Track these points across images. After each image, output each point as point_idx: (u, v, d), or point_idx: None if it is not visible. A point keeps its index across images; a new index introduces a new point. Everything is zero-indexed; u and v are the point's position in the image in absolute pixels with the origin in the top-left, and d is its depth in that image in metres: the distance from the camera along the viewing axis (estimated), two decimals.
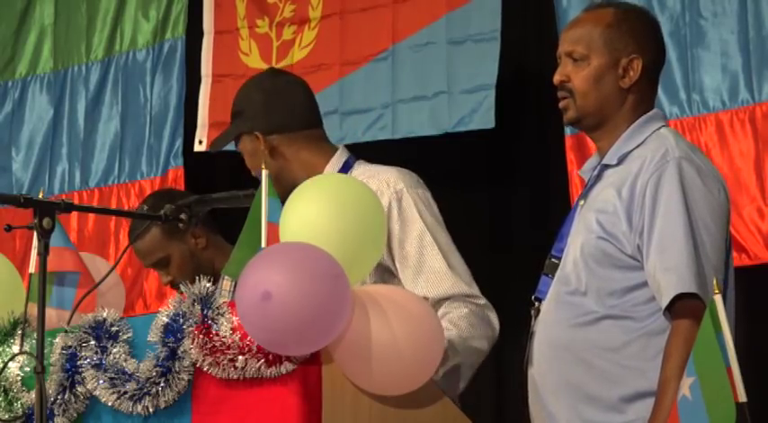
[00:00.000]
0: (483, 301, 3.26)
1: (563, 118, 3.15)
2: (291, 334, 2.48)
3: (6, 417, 2.84)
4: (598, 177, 3.11)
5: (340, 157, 3.45)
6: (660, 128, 3.09)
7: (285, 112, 3.46)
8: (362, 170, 3.43)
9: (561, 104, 3.13)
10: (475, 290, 3.27)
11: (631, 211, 2.96)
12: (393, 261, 3.30)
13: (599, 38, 3.09)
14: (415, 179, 3.39)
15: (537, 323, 3.09)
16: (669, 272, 2.88)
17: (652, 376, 2.87)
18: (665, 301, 2.87)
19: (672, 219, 2.91)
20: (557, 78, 3.12)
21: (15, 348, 2.88)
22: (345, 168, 3.44)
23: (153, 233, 3.99)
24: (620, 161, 3.06)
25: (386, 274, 3.31)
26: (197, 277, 2.70)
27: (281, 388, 2.57)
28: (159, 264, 4.13)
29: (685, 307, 2.85)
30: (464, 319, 3.21)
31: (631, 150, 3.06)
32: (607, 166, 3.09)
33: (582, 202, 3.12)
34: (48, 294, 2.87)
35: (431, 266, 3.26)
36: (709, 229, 2.93)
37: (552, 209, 4.53)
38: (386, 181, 3.34)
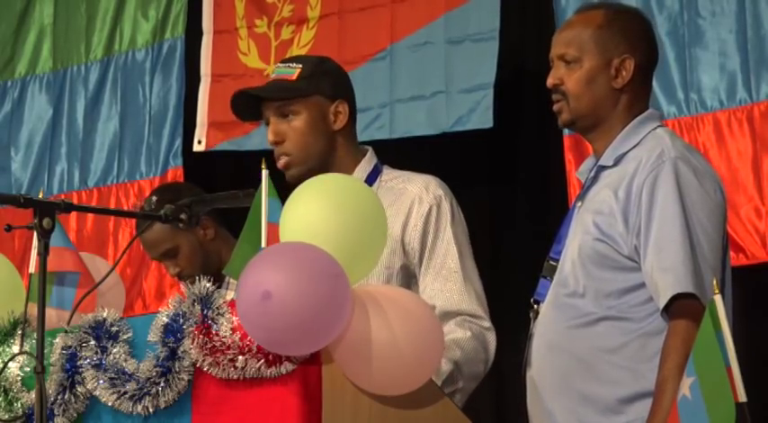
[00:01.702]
0: (487, 323, 3.29)
1: (558, 121, 3.16)
2: (291, 333, 2.49)
3: (6, 417, 2.84)
4: (595, 179, 3.11)
5: (369, 161, 3.47)
6: (656, 128, 3.10)
7: (355, 99, 3.50)
8: (395, 175, 3.46)
9: (555, 107, 3.14)
10: (483, 310, 3.30)
11: (628, 211, 2.97)
12: (420, 265, 3.33)
13: (590, 39, 3.10)
14: (447, 188, 3.42)
15: (536, 325, 3.10)
16: (666, 272, 2.88)
17: (650, 377, 2.87)
18: (662, 302, 2.88)
19: (668, 219, 2.91)
20: (550, 81, 3.13)
21: (15, 348, 2.88)
22: (375, 173, 3.45)
23: (161, 224, 3.97)
24: (617, 162, 3.07)
25: (412, 279, 3.35)
26: (197, 277, 2.70)
27: (281, 388, 2.57)
28: (167, 255, 4.13)
29: (682, 307, 2.86)
30: (469, 343, 3.24)
31: (627, 151, 3.07)
32: (603, 168, 3.10)
33: (579, 204, 3.13)
34: (48, 294, 2.87)
35: (447, 277, 3.29)
36: (705, 229, 2.93)
37: (551, 209, 4.53)
38: (425, 186, 3.37)
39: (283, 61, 3.54)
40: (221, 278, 3.81)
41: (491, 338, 3.28)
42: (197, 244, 4.11)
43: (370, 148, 3.51)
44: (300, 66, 3.45)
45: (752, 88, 4.28)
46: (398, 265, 3.32)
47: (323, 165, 3.34)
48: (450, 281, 3.28)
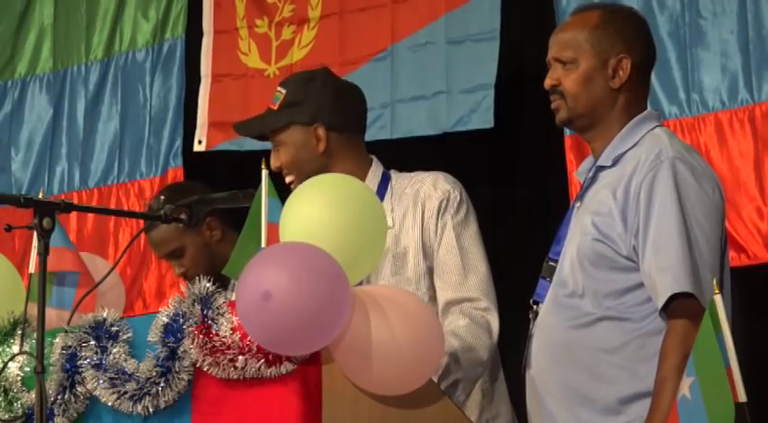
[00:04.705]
0: (484, 304, 3.32)
1: (555, 119, 3.16)
2: (291, 334, 2.49)
3: (6, 417, 2.84)
4: (593, 179, 3.11)
5: (377, 171, 3.52)
6: (654, 128, 3.10)
7: (348, 113, 3.53)
8: (404, 180, 3.50)
9: (553, 105, 3.14)
10: (482, 293, 3.34)
11: (626, 211, 2.97)
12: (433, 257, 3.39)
13: (586, 40, 3.10)
14: (456, 181, 3.49)
15: (535, 326, 3.10)
16: (664, 272, 2.88)
17: (650, 377, 2.87)
18: (660, 302, 2.88)
19: (666, 218, 2.91)
20: (547, 83, 3.13)
21: (15, 348, 2.88)
22: (384, 181, 3.50)
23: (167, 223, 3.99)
24: (615, 162, 3.07)
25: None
26: (198, 277, 2.70)
27: (281, 388, 2.58)
28: (173, 255, 4.15)
29: (681, 307, 2.86)
30: (467, 330, 3.27)
31: (626, 151, 3.06)
32: (602, 168, 3.09)
33: (578, 204, 3.13)
34: (48, 294, 2.87)
35: (444, 268, 3.34)
36: (703, 229, 2.93)
37: (552, 210, 4.52)
38: (433, 184, 3.44)
39: (281, 83, 3.58)
40: (227, 279, 3.82)
41: (492, 319, 3.31)
42: (202, 245, 4.12)
43: (374, 158, 3.54)
44: (285, 91, 3.50)
45: (753, 89, 4.28)
46: (424, 268, 3.38)
47: None
48: (447, 272, 3.34)
